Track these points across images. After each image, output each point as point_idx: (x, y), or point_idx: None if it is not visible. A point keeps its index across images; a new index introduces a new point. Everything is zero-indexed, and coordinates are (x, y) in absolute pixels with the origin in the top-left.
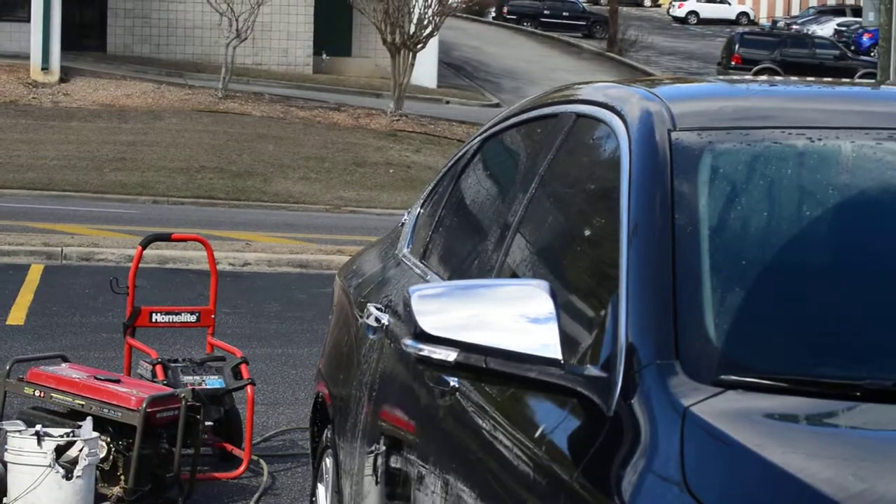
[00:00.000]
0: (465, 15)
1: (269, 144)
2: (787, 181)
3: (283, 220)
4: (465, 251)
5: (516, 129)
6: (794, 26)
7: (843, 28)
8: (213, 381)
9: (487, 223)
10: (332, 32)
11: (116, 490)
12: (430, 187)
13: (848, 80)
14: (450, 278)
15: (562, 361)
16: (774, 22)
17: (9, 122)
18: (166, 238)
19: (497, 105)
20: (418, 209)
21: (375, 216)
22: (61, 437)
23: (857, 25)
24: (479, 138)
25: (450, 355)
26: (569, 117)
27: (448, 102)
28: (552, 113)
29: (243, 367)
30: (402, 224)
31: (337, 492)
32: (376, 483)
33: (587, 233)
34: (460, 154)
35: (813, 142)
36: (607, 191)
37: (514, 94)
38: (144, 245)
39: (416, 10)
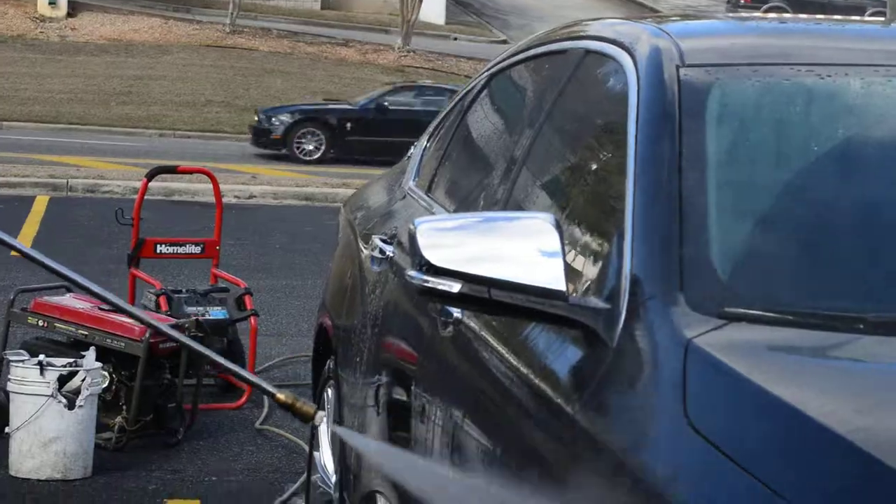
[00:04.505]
0: None
1: (277, 79)
2: (795, 118)
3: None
4: (470, 184)
5: (524, 64)
6: None
7: None
8: (216, 312)
9: (493, 157)
10: None
11: (118, 420)
12: (436, 121)
13: (858, 17)
14: (455, 211)
15: (566, 293)
16: None
17: (16, 56)
18: (172, 170)
19: (505, 42)
20: (425, 142)
21: None
22: (64, 366)
23: None
24: (486, 73)
25: (453, 286)
26: (577, 53)
27: (456, 39)
28: (560, 49)
29: (247, 298)
30: (409, 157)
31: (338, 423)
32: (378, 414)
33: (594, 167)
34: (467, 89)
35: (822, 78)
36: (615, 126)
37: (522, 30)
38: (150, 177)
39: None
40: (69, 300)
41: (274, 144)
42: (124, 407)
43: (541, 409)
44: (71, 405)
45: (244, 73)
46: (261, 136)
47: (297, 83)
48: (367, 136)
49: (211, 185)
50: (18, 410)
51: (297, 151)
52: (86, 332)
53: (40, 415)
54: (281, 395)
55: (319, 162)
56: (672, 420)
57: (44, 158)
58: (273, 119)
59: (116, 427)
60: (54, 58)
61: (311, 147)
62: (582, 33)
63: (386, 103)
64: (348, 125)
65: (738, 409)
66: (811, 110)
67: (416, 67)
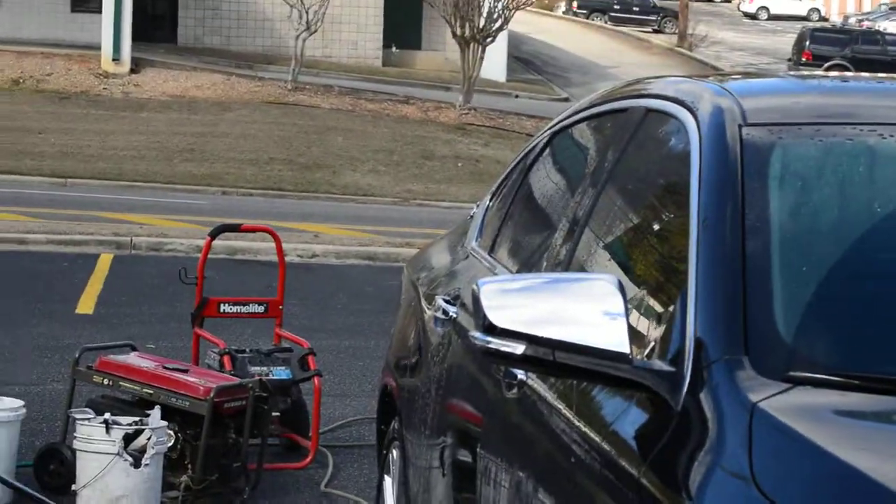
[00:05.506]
0: (534, 9)
1: (338, 137)
2: (858, 178)
3: (352, 213)
4: (533, 245)
5: (586, 122)
6: (866, 23)
7: None
8: (280, 372)
9: (556, 217)
10: (402, 25)
11: (184, 479)
12: (499, 180)
13: None
14: (518, 272)
15: (630, 356)
16: (846, 18)
17: (80, 112)
18: (235, 229)
19: (566, 99)
20: (487, 202)
21: (443, 209)
22: (130, 425)
23: None
24: (548, 132)
25: (517, 348)
26: (639, 111)
27: (517, 96)
28: (622, 107)
29: (310, 359)
30: (471, 217)
31: (404, 483)
32: (443, 475)
33: (656, 228)
34: (529, 148)
35: (885, 138)
36: (677, 186)
37: (583, 88)
38: (213, 235)
39: (486, 4)
40: (134, 359)
41: None
42: (189, 466)
43: (606, 471)
44: (137, 463)
45: (306, 130)
46: None
47: (358, 140)
48: None
49: (274, 244)
50: (84, 468)
51: None
52: (151, 391)
53: (106, 473)
54: None
55: None
56: (739, 483)
57: (107, 216)
58: None
59: (182, 486)
60: (118, 114)
61: None
62: (643, 91)
63: None
64: None
65: (804, 472)
66: (875, 170)
67: (478, 125)
